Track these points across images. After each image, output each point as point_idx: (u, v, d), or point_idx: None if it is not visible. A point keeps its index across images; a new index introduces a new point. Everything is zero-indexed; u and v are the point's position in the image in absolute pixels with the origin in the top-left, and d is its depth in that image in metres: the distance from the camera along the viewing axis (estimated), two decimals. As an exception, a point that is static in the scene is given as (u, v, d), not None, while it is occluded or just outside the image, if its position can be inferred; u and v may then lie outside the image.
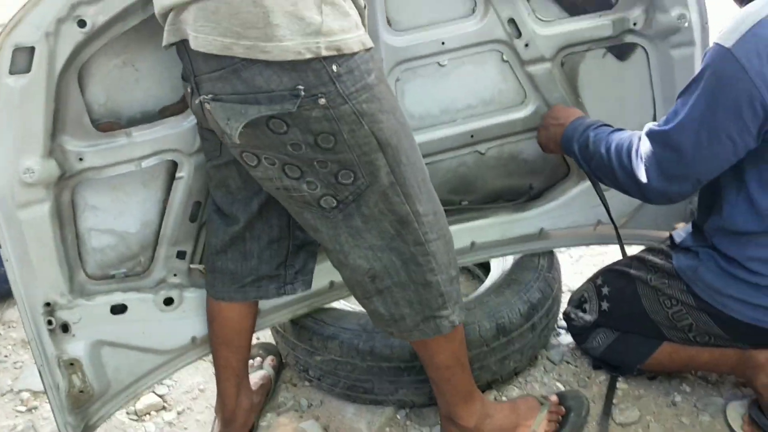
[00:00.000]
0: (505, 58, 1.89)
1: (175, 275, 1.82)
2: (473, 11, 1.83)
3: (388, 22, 1.79)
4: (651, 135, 1.58)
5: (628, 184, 1.65)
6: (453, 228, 2.01)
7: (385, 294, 1.55)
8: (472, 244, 2.08)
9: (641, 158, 1.59)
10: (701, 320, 1.74)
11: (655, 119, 2.01)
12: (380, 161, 1.42)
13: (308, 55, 1.29)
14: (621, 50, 1.93)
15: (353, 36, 1.34)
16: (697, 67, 1.91)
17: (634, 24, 1.88)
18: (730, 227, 1.64)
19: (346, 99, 1.34)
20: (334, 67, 1.31)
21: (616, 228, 2.00)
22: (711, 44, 1.49)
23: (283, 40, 1.27)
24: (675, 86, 1.93)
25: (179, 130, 1.67)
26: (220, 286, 1.76)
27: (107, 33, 1.54)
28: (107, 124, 1.65)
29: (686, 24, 1.85)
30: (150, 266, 1.80)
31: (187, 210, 1.76)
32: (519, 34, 1.86)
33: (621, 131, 1.70)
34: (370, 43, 1.37)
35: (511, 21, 1.84)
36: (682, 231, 1.88)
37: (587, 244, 2.25)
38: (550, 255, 2.17)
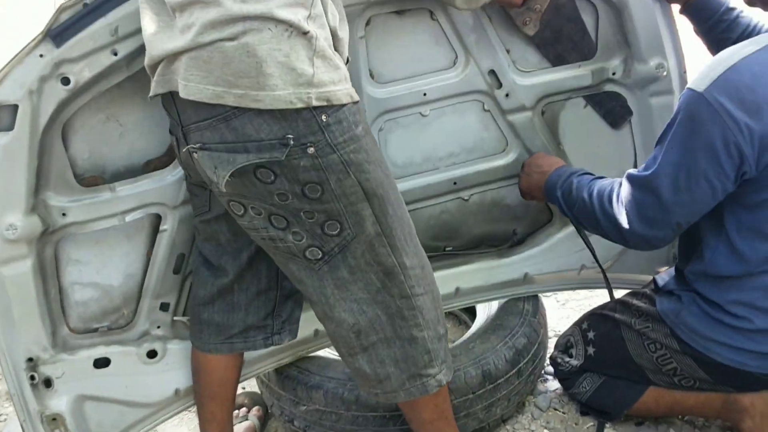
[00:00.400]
0: (486, 107, 1.92)
1: (158, 327, 1.81)
2: (454, 63, 1.86)
3: (371, 75, 1.81)
4: (631, 180, 1.60)
5: (609, 229, 1.66)
6: (437, 274, 2.02)
7: (370, 351, 1.54)
8: (457, 289, 2.09)
9: (622, 203, 1.60)
10: (685, 364, 1.75)
11: (635, 167, 2.04)
12: (366, 211, 1.43)
13: (299, 105, 1.30)
14: (615, 118, 1.97)
15: (342, 88, 1.36)
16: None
17: (614, 74, 1.91)
18: (712, 272, 1.65)
19: (335, 148, 1.36)
20: (324, 117, 1.33)
21: (603, 271, 2.01)
22: (685, 89, 1.51)
23: (275, 89, 1.29)
24: (654, 134, 1.95)
25: (163, 183, 1.68)
26: (206, 338, 1.75)
27: (91, 90, 1.55)
28: (91, 179, 1.65)
29: (665, 73, 1.88)
30: (133, 319, 1.79)
31: (170, 262, 1.76)
32: (499, 85, 1.89)
33: (604, 178, 1.72)
34: (357, 96, 1.40)
35: (492, 72, 1.87)
36: (665, 274, 1.89)
37: (572, 289, 2.26)
38: (535, 299, 2.18)
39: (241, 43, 1.28)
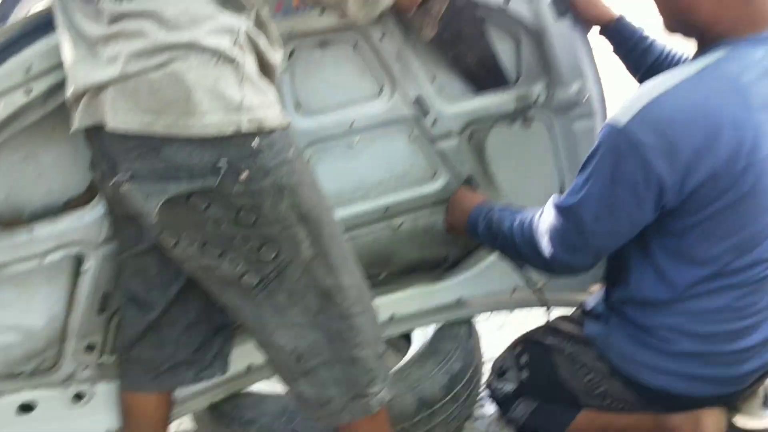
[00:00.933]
0: (414, 135, 1.94)
1: (84, 369, 1.76)
2: (380, 92, 1.87)
3: (297, 106, 1.81)
4: (554, 208, 1.63)
5: (532, 257, 1.68)
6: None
7: (311, 375, 1.53)
8: (392, 316, 2.09)
9: (544, 231, 1.63)
10: (615, 387, 1.77)
11: (562, 189, 2.08)
12: (302, 235, 1.42)
13: (230, 130, 1.30)
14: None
15: (273, 112, 1.36)
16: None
17: (536, 99, 1.95)
18: (638, 297, 1.68)
19: (267, 173, 1.35)
20: (255, 142, 1.33)
21: (538, 292, 2.02)
22: (605, 123, 1.54)
23: (204, 115, 1.29)
24: (579, 157, 1.99)
25: (84, 222, 1.64)
26: (135, 377, 1.71)
27: (6, 130, 1.51)
28: (8, 221, 1.60)
29: (585, 98, 1.92)
30: (58, 361, 1.74)
31: (94, 302, 1.72)
32: (426, 112, 1.90)
33: (524, 210, 1.74)
34: (288, 119, 1.40)
35: (418, 100, 1.89)
36: (592, 298, 1.92)
37: (507, 309, 2.28)
38: (470, 324, 2.19)
39: (167, 71, 1.28)
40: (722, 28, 1.48)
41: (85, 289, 1.69)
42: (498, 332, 2.59)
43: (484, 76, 1.92)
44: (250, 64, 1.34)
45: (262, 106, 1.34)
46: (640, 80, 1.91)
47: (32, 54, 1.46)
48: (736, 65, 1.46)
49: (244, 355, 1.84)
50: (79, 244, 1.65)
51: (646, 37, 1.87)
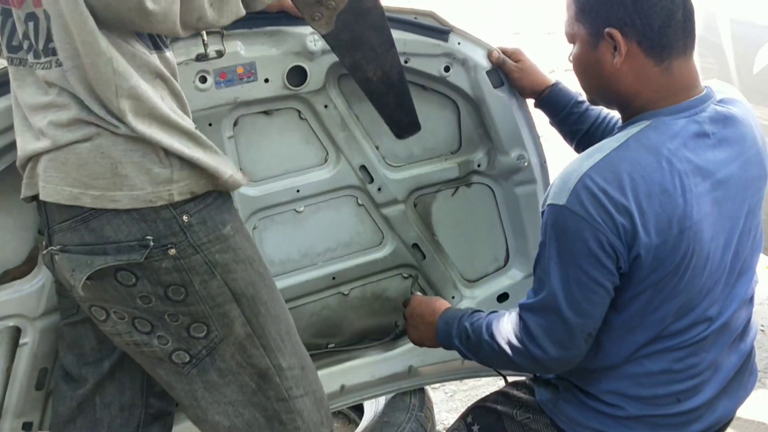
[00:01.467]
0: (360, 202, 1.96)
1: None
2: (325, 160, 1.90)
3: (243, 173, 1.81)
4: (528, 309, 1.58)
5: (525, 363, 1.63)
6: (321, 372, 1.99)
7: None
8: (342, 387, 2.05)
9: (530, 334, 1.58)
10: (567, 452, 1.75)
11: (507, 253, 2.11)
12: (235, 312, 1.40)
13: (159, 203, 1.29)
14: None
15: (206, 180, 1.35)
16: (541, 203, 2.06)
17: (479, 165, 2.00)
18: (581, 364, 1.67)
19: (198, 249, 1.34)
20: (185, 218, 1.32)
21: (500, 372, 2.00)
22: (545, 206, 1.53)
23: (132, 189, 1.29)
24: (522, 221, 2.05)
25: (22, 294, 1.60)
26: None
27: None
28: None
29: (525, 164, 1.98)
30: (-9, 441, 1.66)
31: (32, 378, 1.66)
32: (371, 180, 1.93)
33: (493, 313, 1.69)
34: (226, 188, 1.39)
35: (363, 167, 1.92)
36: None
37: (458, 379, 2.26)
38: (422, 393, 2.17)
39: (95, 144, 1.28)
40: (643, 101, 1.53)
41: (23, 364, 1.64)
42: (450, 401, 2.56)
43: (390, 94, 1.79)
44: (178, 135, 1.34)
45: (191, 175, 1.34)
46: (576, 148, 1.96)
47: None
48: (659, 134, 1.50)
49: None
50: (16, 317, 1.60)
51: (581, 102, 1.93)
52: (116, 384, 1.60)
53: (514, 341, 1.60)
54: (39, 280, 1.60)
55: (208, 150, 1.38)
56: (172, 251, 1.32)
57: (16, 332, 1.63)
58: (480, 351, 1.69)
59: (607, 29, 1.48)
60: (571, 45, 1.59)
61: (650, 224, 1.46)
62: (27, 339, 1.63)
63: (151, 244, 1.30)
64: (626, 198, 1.45)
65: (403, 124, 1.83)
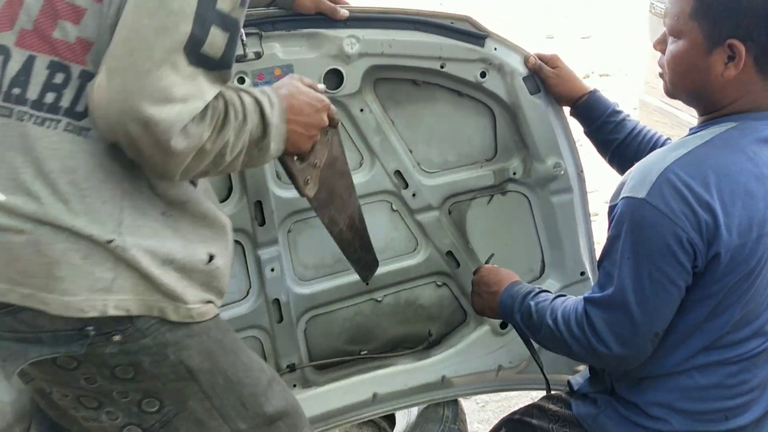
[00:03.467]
0: (394, 207, 1.96)
1: None
2: (360, 164, 1.91)
3: (278, 176, 1.84)
4: (594, 303, 1.55)
5: (585, 356, 1.61)
6: (353, 379, 2.00)
7: None
8: (374, 395, 2.04)
9: (593, 329, 1.55)
10: (605, 469, 1.70)
11: (543, 263, 2.08)
12: (191, 390, 1.31)
13: (92, 314, 1.18)
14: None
15: (151, 300, 1.23)
16: (578, 213, 2.03)
17: (514, 173, 1.99)
18: (633, 372, 1.63)
19: (145, 333, 1.24)
20: (117, 337, 1.22)
21: (546, 378, 1.97)
22: (619, 200, 1.49)
23: (65, 294, 1.16)
24: (558, 231, 2.03)
25: None
26: None
27: None
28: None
29: (562, 172, 1.96)
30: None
31: None
32: (406, 185, 1.93)
33: (559, 298, 1.67)
34: (175, 315, 1.26)
35: (398, 173, 1.92)
36: (579, 377, 1.87)
37: (491, 391, 2.23)
38: (455, 404, 2.14)
39: (31, 239, 1.15)
40: (735, 107, 1.50)
41: None
42: (481, 411, 2.52)
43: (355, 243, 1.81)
44: (142, 249, 1.21)
45: (136, 290, 1.20)
46: (610, 160, 1.94)
47: None
48: (745, 136, 1.47)
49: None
50: None
51: (618, 112, 1.92)
52: None
53: (577, 332, 1.56)
54: None
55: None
56: (117, 337, 1.21)
57: None
58: (539, 332, 1.66)
59: (731, 40, 1.42)
60: (670, 36, 1.51)
61: (733, 224, 1.43)
62: None
63: (92, 333, 1.19)
64: (710, 195, 1.42)
65: (368, 262, 1.85)
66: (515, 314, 1.71)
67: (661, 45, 1.54)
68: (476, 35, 1.84)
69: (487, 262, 1.94)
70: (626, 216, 1.47)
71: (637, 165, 1.51)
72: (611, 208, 1.53)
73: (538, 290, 1.72)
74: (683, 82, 1.52)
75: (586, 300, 1.56)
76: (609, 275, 1.52)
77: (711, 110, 1.53)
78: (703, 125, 1.54)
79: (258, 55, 1.67)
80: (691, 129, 1.58)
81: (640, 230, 1.46)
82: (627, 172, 1.54)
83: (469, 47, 1.83)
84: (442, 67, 1.83)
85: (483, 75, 1.87)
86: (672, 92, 1.58)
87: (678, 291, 1.48)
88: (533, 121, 1.92)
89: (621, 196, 1.48)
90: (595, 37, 6.91)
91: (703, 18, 1.43)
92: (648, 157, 1.52)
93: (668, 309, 1.50)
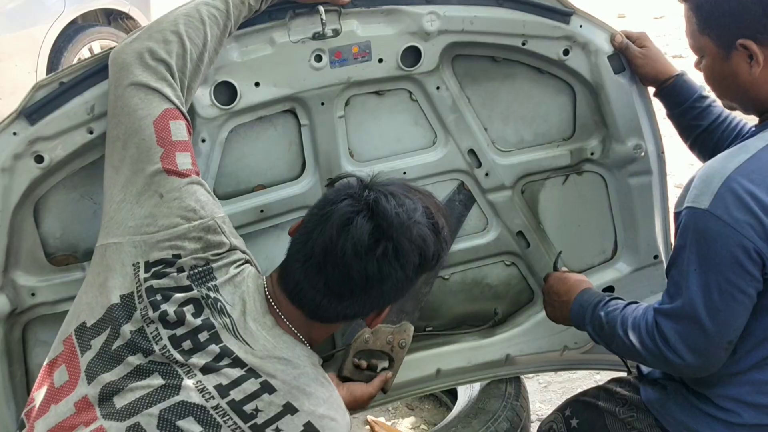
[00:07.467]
0: (466, 186, 1.91)
1: None
2: (434, 142, 1.86)
3: (351, 154, 1.81)
4: (665, 315, 1.54)
5: (660, 365, 1.61)
6: (418, 355, 2.00)
7: None
8: (438, 371, 2.04)
9: (665, 340, 1.53)
10: (671, 455, 1.69)
11: (616, 245, 2.03)
12: None
13: None
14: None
15: None
16: (656, 196, 1.97)
17: (592, 153, 1.92)
18: None
19: None
20: None
21: (627, 367, 1.94)
22: (683, 209, 1.47)
23: None
24: (634, 213, 1.97)
25: None
26: None
27: (65, 168, 1.54)
28: (62, 258, 1.61)
29: (642, 154, 1.89)
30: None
31: None
32: (479, 164, 1.89)
33: (629, 306, 1.65)
34: None
35: (471, 151, 1.87)
36: (649, 363, 1.85)
37: (554, 370, 2.21)
38: (518, 382, 2.13)
39: None
40: None
41: None
42: (544, 391, 2.51)
43: None
44: None
45: None
46: (692, 146, 1.87)
47: (95, 95, 1.49)
48: None
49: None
50: None
51: (705, 97, 1.83)
52: None
53: (649, 343, 1.56)
54: None
55: None
56: None
57: None
58: (612, 342, 1.66)
59: (739, 41, 1.44)
60: (698, 56, 1.55)
61: None
62: None
63: None
64: None
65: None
66: (587, 325, 1.70)
67: (697, 66, 1.58)
68: (562, 12, 1.75)
69: (555, 263, 1.92)
70: (690, 227, 1.45)
71: (700, 171, 1.48)
72: (676, 215, 1.50)
73: (608, 298, 1.69)
74: (724, 92, 1.56)
75: (656, 311, 1.55)
76: (677, 285, 1.51)
77: (764, 110, 1.51)
78: (761, 126, 1.51)
79: (336, 33, 1.62)
80: (750, 129, 1.57)
81: (705, 242, 1.43)
82: (691, 178, 1.50)
83: (553, 24, 1.75)
84: (523, 44, 1.76)
85: (566, 53, 1.79)
86: (725, 105, 1.62)
87: (749, 299, 1.46)
88: (616, 101, 1.85)
89: (685, 205, 1.46)
90: (668, 16, 6.78)
91: (709, 30, 1.48)
92: (710, 162, 1.48)
93: (740, 318, 1.48)
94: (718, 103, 1.84)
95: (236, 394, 1.26)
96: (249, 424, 1.25)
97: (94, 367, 1.29)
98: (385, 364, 1.73)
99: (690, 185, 1.48)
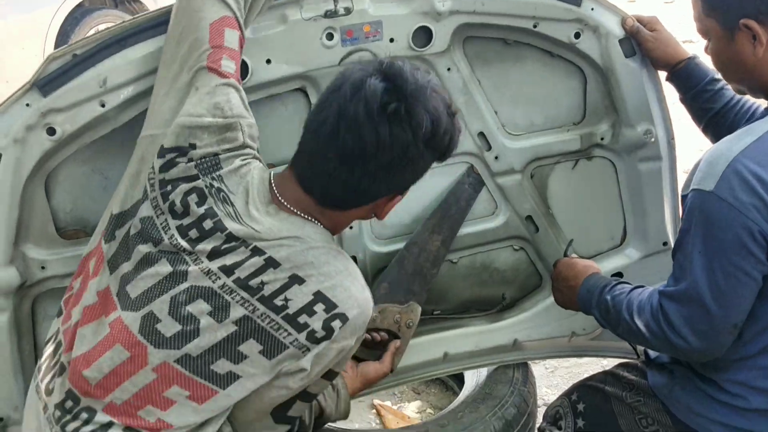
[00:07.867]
0: (475, 170, 1.91)
1: None
2: (443, 124, 1.86)
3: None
4: (669, 297, 1.54)
5: (663, 349, 1.62)
6: (425, 338, 2.00)
7: None
8: (445, 354, 2.04)
9: (669, 323, 1.53)
10: (678, 440, 1.69)
11: (625, 231, 2.03)
12: None
13: None
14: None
15: None
16: (665, 181, 1.96)
17: (602, 138, 1.92)
18: None
19: None
20: None
21: (636, 352, 1.94)
22: (689, 191, 1.47)
23: None
24: (643, 199, 1.97)
25: None
26: None
27: (77, 141, 1.54)
28: (72, 232, 1.62)
29: (652, 139, 1.89)
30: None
31: None
32: (489, 147, 1.89)
33: (635, 290, 1.65)
34: None
35: (481, 134, 1.87)
36: (656, 348, 1.84)
37: (562, 356, 2.21)
38: (525, 367, 2.13)
39: None
40: None
41: None
42: (551, 376, 2.51)
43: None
44: None
45: None
46: (705, 129, 1.87)
47: (108, 67, 1.50)
48: None
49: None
50: None
51: (717, 80, 1.82)
52: None
53: (654, 327, 1.56)
54: None
55: None
56: None
57: None
58: (618, 326, 1.66)
59: (742, 21, 1.45)
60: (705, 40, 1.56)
61: None
62: None
63: None
64: None
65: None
66: (593, 309, 1.71)
67: (707, 50, 1.59)
68: None
69: (566, 252, 1.92)
70: (695, 209, 1.45)
71: (706, 154, 1.48)
72: (683, 198, 1.51)
73: (614, 282, 1.70)
74: (731, 75, 1.57)
75: (661, 293, 1.54)
76: (682, 268, 1.51)
77: None
78: (765, 113, 1.52)
79: (348, 11, 1.62)
80: (762, 111, 1.58)
81: (710, 224, 1.44)
82: (698, 161, 1.50)
83: (565, 7, 1.75)
84: (535, 26, 1.76)
85: (577, 36, 1.79)
86: (734, 89, 1.63)
87: (755, 282, 1.46)
88: (626, 86, 1.84)
89: (690, 188, 1.46)
90: (678, 1, 6.75)
91: (713, 11, 1.50)
92: (717, 145, 1.49)
93: (745, 301, 1.47)
94: (729, 86, 1.84)
95: (241, 272, 1.32)
96: (257, 297, 1.31)
97: (115, 258, 1.38)
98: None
99: (696, 168, 1.48)
